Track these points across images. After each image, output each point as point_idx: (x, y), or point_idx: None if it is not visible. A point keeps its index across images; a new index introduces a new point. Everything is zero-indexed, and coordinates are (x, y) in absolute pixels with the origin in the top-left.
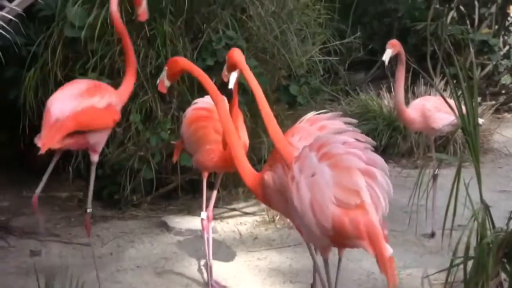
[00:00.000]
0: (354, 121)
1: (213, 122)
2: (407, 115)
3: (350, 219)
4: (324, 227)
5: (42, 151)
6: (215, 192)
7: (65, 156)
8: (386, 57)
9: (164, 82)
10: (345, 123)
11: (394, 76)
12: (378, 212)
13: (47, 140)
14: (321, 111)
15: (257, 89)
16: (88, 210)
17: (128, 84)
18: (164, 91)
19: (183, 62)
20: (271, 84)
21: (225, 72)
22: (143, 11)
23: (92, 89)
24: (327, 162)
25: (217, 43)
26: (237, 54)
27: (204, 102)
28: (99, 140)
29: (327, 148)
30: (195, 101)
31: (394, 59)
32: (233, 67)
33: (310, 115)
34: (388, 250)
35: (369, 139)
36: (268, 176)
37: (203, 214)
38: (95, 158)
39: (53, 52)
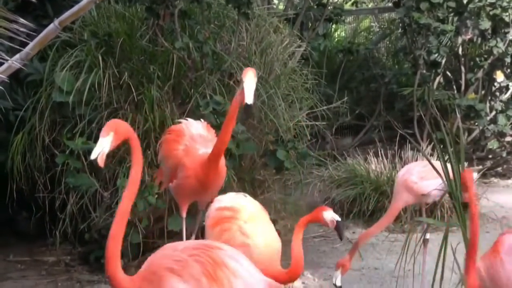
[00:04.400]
0: None
1: (238, 223)
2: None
3: None
4: None
5: None
6: None
7: (52, 220)
8: (337, 281)
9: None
10: None
11: (381, 141)
12: None
13: None
14: None
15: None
16: None
17: None
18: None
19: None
20: (258, 149)
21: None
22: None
23: None
24: None
25: (204, 108)
26: (124, 127)
27: (226, 200)
28: None
29: None
30: (218, 198)
31: (383, 124)
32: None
33: None
34: None
35: None
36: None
37: None
38: None
39: (40, 116)
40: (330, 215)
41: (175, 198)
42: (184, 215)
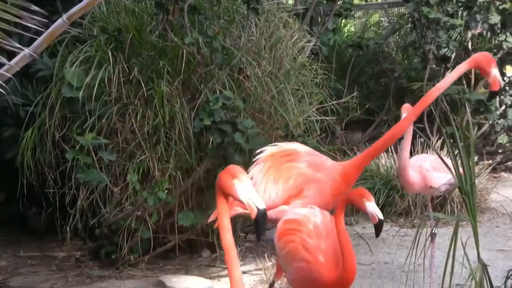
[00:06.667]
0: None
1: (301, 236)
2: (408, 174)
3: None
4: None
5: None
6: None
7: (63, 216)
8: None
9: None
10: None
11: None
12: None
13: None
14: None
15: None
16: None
17: None
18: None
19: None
20: (268, 144)
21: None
22: (493, 79)
23: None
24: None
25: (214, 103)
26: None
27: (294, 213)
28: None
29: None
30: (291, 211)
31: (393, 119)
32: None
33: None
34: None
35: None
36: None
37: None
38: None
39: (50, 112)
40: (373, 208)
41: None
42: None
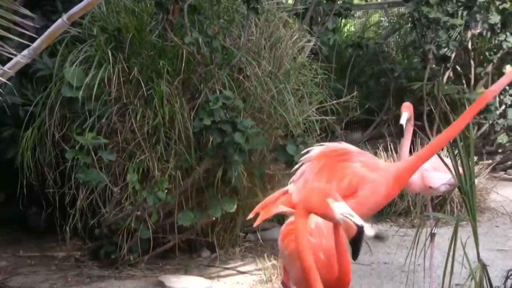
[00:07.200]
0: None
1: None
2: None
3: None
4: None
5: None
6: None
7: (62, 216)
8: (403, 120)
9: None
10: None
11: (390, 135)
12: None
13: None
14: None
15: None
16: None
17: None
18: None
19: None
20: (268, 144)
21: None
22: None
23: None
24: None
25: (214, 103)
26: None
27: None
28: None
29: None
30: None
31: (393, 118)
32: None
33: None
34: None
35: None
36: None
37: None
38: None
39: (50, 112)
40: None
41: None
42: None
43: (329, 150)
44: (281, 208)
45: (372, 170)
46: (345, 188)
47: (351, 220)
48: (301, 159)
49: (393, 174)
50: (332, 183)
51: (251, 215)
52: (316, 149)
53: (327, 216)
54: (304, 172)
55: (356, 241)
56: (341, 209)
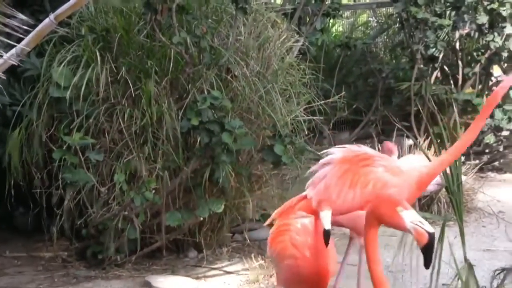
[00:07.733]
0: None
1: (290, 234)
2: None
3: None
4: None
5: None
6: None
7: (49, 216)
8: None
9: None
10: None
11: (378, 136)
12: None
13: None
14: None
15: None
16: None
17: None
18: None
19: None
20: (255, 144)
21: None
22: None
23: None
24: None
25: (202, 103)
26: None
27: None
28: None
29: None
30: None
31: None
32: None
33: None
34: None
35: None
36: None
37: None
38: None
39: (38, 112)
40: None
41: None
42: None
43: (352, 154)
44: (300, 214)
45: (395, 175)
46: (369, 194)
47: (422, 227)
48: (321, 161)
49: (416, 178)
50: (355, 188)
51: (267, 222)
52: (337, 153)
53: (397, 225)
54: (326, 176)
55: (428, 248)
56: (410, 217)
